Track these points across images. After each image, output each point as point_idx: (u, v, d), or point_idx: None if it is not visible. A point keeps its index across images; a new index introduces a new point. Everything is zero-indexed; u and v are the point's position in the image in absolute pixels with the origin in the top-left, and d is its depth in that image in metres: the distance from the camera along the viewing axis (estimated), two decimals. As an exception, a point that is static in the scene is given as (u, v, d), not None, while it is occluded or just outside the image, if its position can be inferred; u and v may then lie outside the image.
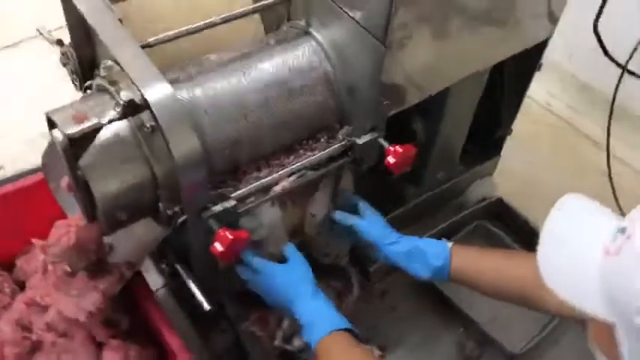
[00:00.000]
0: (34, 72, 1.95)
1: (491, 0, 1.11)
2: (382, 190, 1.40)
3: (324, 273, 1.39)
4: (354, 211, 1.19)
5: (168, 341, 1.10)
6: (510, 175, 1.72)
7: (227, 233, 0.94)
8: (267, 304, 1.10)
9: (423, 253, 1.09)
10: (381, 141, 1.14)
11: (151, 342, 1.17)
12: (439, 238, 1.16)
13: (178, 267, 1.10)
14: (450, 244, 1.12)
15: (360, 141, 1.12)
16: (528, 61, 1.40)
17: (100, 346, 1.13)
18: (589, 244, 0.67)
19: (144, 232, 1.06)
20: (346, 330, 0.99)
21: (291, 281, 1.04)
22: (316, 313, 1.00)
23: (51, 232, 1.06)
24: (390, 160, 1.11)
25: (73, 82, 1.14)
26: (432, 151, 1.39)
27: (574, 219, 0.71)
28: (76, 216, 1.02)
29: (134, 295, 1.17)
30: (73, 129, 0.85)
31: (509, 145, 1.62)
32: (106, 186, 0.93)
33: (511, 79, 1.45)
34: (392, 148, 1.11)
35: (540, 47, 1.35)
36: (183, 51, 1.12)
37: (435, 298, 1.43)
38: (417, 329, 1.42)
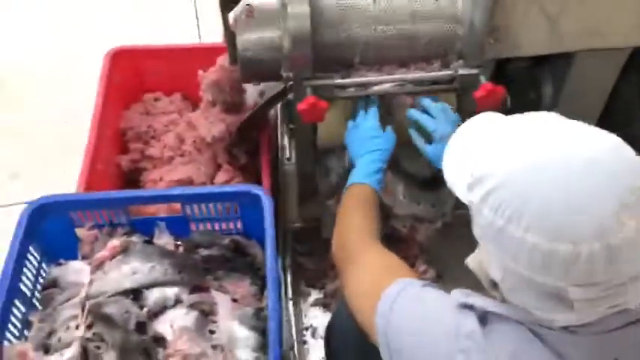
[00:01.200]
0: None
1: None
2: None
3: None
4: None
5: (263, 180, 1.40)
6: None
7: (312, 98, 1.19)
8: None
9: None
10: (482, 77, 1.26)
11: (256, 181, 1.49)
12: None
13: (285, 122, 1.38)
14: None
15: (462, 72, 1.26)
16: None
17: (219, 167, 1.48)
18: None
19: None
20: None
21: (367, 142, 1.22)
22: (362, 166, 1.17)
23: (209, 70, 1.42)
24: (479, 93, 1.23)
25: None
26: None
27: None
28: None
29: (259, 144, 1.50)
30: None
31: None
32: (247, 38, 1.24)
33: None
34: (485, 84, 1.23)
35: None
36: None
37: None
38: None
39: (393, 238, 1.52)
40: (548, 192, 0.65)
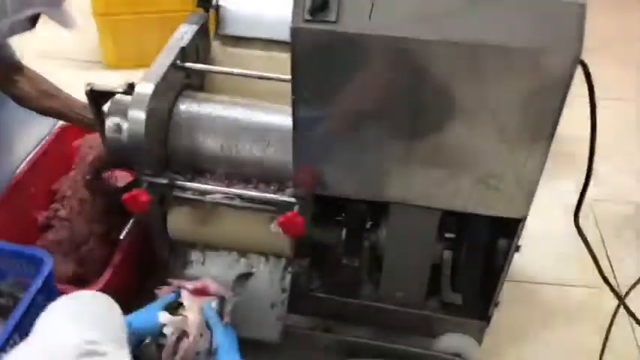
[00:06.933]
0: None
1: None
2: (341, 273, 1.61)
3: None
4: None
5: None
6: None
7: (137, 190, 1.38)
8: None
9: None
10: (296, 207, 1.39)
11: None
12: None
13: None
14: None
15: (280, 198, 1.41)
16: (503, 236, 1.42)
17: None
18: None
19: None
20: None
21: None
22: None
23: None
24: (281, 218, 1.37)
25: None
26: (382, 260, 1.53)
27: None
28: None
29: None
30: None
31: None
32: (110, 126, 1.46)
33: (476, 245, 1.47)
34: (288, 212, 1.37)
35: (514, 224, 1.35)
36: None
37: None
38: None
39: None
40: None
